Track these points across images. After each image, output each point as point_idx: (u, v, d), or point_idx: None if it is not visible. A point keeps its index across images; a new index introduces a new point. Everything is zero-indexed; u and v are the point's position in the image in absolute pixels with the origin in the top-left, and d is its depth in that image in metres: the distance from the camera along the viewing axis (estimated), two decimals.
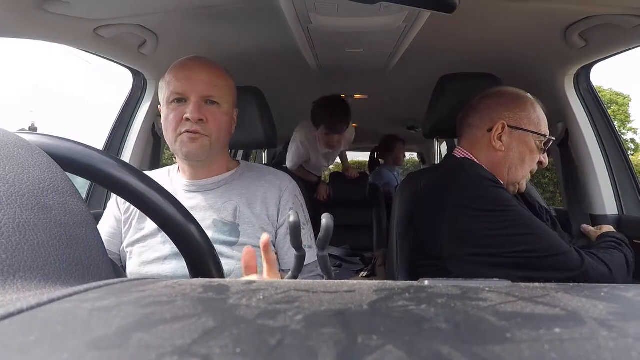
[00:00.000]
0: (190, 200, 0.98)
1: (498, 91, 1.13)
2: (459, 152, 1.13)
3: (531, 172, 1.10)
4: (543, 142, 1.07)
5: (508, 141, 1.07)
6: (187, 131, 0.93)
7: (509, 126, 1.06)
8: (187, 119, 0.92)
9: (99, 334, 0.17)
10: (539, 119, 1.08)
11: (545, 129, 1.08)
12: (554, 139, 1.10)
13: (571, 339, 0.16)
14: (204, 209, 0.97)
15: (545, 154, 1.10)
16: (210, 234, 0.93)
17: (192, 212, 0.96)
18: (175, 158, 1.06)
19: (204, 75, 0.95)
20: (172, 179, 1.04)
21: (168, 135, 0.97)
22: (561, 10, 1.10)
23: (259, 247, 0.95)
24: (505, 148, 1.07)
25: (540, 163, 1.09)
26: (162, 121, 0.99)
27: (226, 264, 0.91)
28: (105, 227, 1.01)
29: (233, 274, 0.92)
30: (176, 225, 0.48)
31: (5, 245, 0.26)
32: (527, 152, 1.07)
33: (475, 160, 1.09)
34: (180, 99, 0.94)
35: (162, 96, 0.98)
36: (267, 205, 0.99)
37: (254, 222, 0.97)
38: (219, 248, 0.92)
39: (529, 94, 1.12)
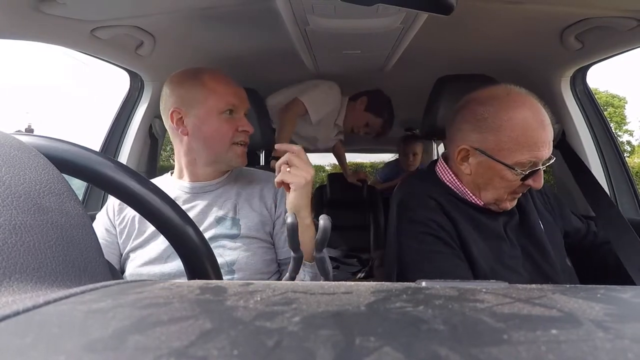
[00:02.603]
0: (192, 202, 1.02)
1: (472, 100, 0.97)
2: (439, 168, 1.07)
3: (515, 192, 0.95)
4: (522, 172, 0.89)
5: (474, 163, 0.96)
6: (242, 143, 1.03)
7: (474, 148, 0.94)
8: (243, 131, 1.02)
9: (96, 336, 0.16)
10: (517, 142, 0.88)
11: (526, 154, 0.88)
12: (539, 167, 0.90)
13: (568, 341, 0.17)
14: (205, 209, 1.01)
15: (540, 176, 0.92)
16: (213, 230, 0.98)
17: (194, 212, 0.99)
18: (174, 161, 1.07)
19: (243, 92, 1.05)
20: (170, 183, 1.07)
21: (218, 144, 1.01)
22: (557, 12, 1.10)
23: (259, 239, 1.00)
24: (472, 171, 0.97)
25: (528, 185, 0.93)
26: (208, 129, 1.00)
27: (229, 255, 0.96)
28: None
29: (237, 264, 0.96)
30: (173, 227, 0.48)
31: (1, 247, 0.26)
32: (498, 178, 0.93)
33: (452, 176, 1.03)
34: (231, 111, 1.01)
35: (207, 104, 0.99)
36: (265, 200, 1.05)
37: (254, 216, 1.02)
38: (222, 242, 0.97)
39: (518, 99, 0.91)
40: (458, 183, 1.02)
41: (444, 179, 1.05)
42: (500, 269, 0.95)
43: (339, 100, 1.97)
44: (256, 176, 1.11)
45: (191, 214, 0.96)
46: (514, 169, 0.89)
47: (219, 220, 1.00)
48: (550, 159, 0.91)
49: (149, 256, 0.96)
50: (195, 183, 1.04)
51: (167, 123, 1.03)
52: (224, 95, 1.00)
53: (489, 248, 0.97)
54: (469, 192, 1.01)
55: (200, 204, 1.02)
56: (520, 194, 0.98)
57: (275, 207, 1.05)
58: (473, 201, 1.01)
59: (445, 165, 1.05)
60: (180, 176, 1.07)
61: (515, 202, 0.99)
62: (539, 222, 1.04)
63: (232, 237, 0.99)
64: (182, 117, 1.01)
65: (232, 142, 1.01)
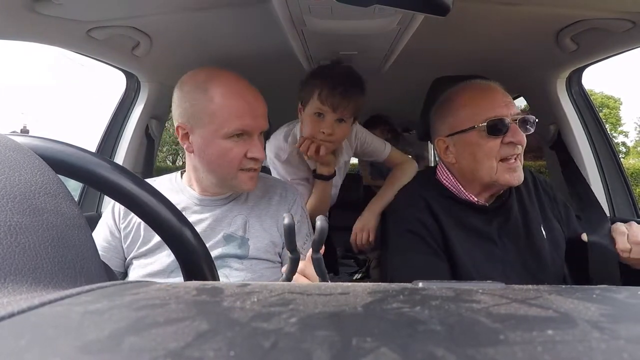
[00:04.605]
0: (201, 214, 0.97)
1: (438, 102, 1.11)
2: (438, 169, 1.12)
3: (505, 159, 0.95)
4: (486, 128, 0.94)
5: (453, 149, 1.03)
6: (252, 169, 0.93)
7: (446, 137, 1.03)
8: (253, 159, 0.92)
9: (91, 338, 0.16)
10: (469, 108, 0.98)
11: (482, 114, 0.95)
12: (497, 116, 0.94)
13: (563, 341, 0.17)
14: (214, 224, 0.97)
15: (515, 130, 0.94)
16: (220, 248, 0.93)
17: (202, 227, 0.96)
18: (171, 162, 1.06)
19: (262, 109, 0.94)
20: (180, 188, 1.01)
21: (222, 170, 0.92)
22: (553, 14, 1.11)
23: (267, 260, 0.97)
24: (456, 159, 1.03)
25: (510, 144, 0.94)
26: (212, 153, 0.91)
27: (236, 277, 0.92)
28: (99, 241, 0.95)
29: None
30: (170, 228, 0.47)
31: None
32: (476, 147, 0.97)
33: (450, 175, 1.07)
34: (242, 134, 0.91)
35: (212, 125, 0.89)
36: (277, 218, 1.01)
37: (264, 236, 0.98)
38: (229, 261, 0.93)
39: (467, 84, 1.05)
40: (454, 181, 1.05)
41: (442, 178, 1.09)
42: (488, 271, 0.96)
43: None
44: (271, 186, 1.06)
45: (199, 228, 0.91)
46: (474, 127, 0.96)
47: (227, 239, 0.95)
48: (520, 114, 0.96)
49: (153, 269, 0.92)
50: (206, 197, 0.99)
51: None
52: (234, 116, 0.88)
53: (478, 250, 0.98)
54: (464, 189, 1.03)
55: (209, 218, 0.97)
56: (517, 161, 0.97)
57: None
58: (470, 199, 1.02)
59: (444, 166, 1.09)
60: (190, 184, 1.01)
61: (517, 174, 0.96)
62: (540, 229, 1.04)
63: (239, 258, 0.95)
64: (187, 132, 0.92)
65: (239, 168, 0.92)
